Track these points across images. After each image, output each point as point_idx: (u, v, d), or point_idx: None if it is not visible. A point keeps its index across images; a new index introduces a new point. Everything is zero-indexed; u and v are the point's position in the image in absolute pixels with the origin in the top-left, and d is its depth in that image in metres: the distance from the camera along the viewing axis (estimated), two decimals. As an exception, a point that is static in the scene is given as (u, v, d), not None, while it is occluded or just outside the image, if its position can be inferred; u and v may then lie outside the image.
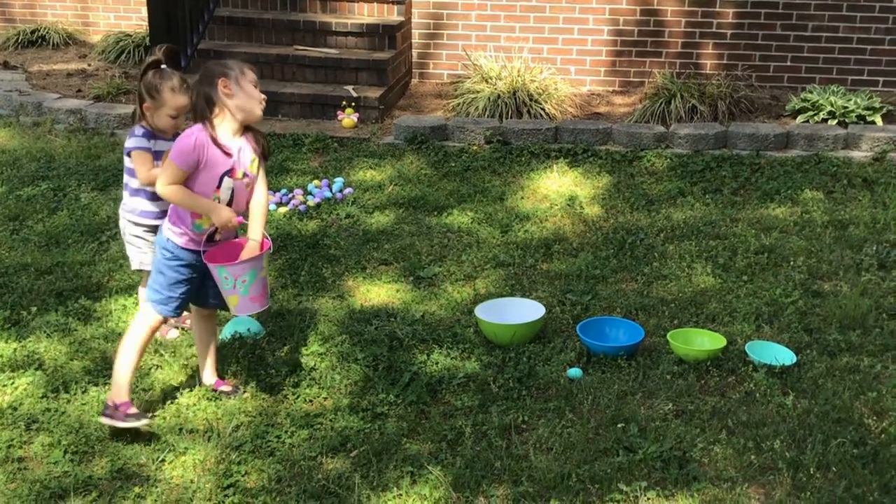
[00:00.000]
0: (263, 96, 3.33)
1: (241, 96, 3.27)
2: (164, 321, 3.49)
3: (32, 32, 8.72)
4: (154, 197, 3.74)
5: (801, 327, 4.04)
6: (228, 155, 3.28)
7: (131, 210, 3.87)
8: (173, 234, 3.35)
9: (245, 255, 3.33)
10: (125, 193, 3.89)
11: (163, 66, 3.67)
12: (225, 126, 3.28)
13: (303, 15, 7.57)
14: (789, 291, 4.35)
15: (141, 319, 3.43)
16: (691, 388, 3.60)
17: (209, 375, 3.66)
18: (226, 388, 3.61)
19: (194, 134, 3.22)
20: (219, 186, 3.28)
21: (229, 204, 3.33)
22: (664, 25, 7.39)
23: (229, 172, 3.28)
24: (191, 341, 3.97)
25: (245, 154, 3.35)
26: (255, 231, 3.39)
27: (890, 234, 4.95)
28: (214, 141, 3.24)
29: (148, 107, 3.72)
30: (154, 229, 3.81)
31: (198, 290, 3.47)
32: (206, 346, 3.65)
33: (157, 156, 3.78)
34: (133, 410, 3.33)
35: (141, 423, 3.31)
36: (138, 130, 3.78)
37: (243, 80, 3.28)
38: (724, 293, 4.37)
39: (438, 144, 6.43)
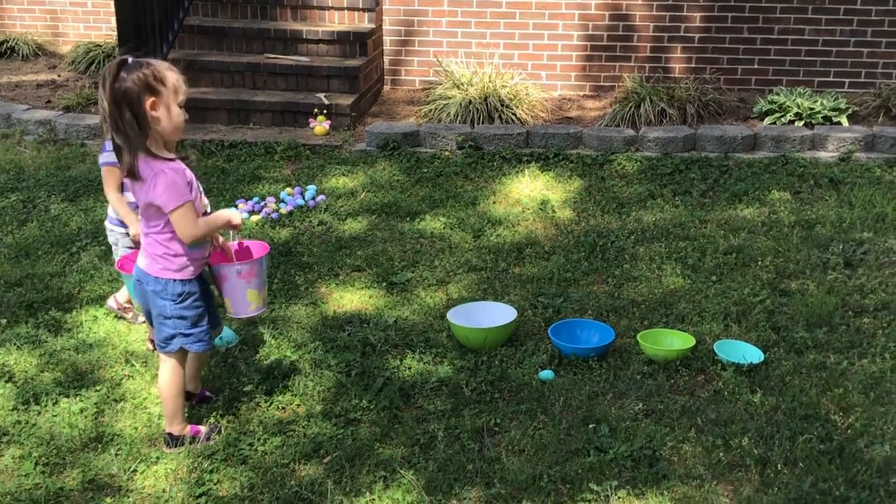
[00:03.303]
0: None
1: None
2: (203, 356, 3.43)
3: (1, 44, 8.66)
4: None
5: (769, 326, 4.09)
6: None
7: (111, 218, 4.01)
8: (175, 274, 3.16)
9: (252, 246, 3.45)
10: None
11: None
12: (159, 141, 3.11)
13: (273, 23, 7.57)
14: (757, 291, 4.41)
15: (175, 371, 3.29)
16: (661, 388, 3.64)
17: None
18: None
19: (169, 168, 3.05)
20: (201, 195, 3.25)
21: (205, 214, 3.29)
22: (633, 30, 7.47)
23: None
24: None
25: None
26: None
27: (856, 233, 5.03)
28: (174, 159, 3.11)
29: None
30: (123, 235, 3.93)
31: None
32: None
33: None
34: (206, 429, 3.38)
35: (222, 435, 3.38)
36: (108, 144, 3.79)
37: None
38: (694, 293, 4.42)
39: (411, 150, 6.45)
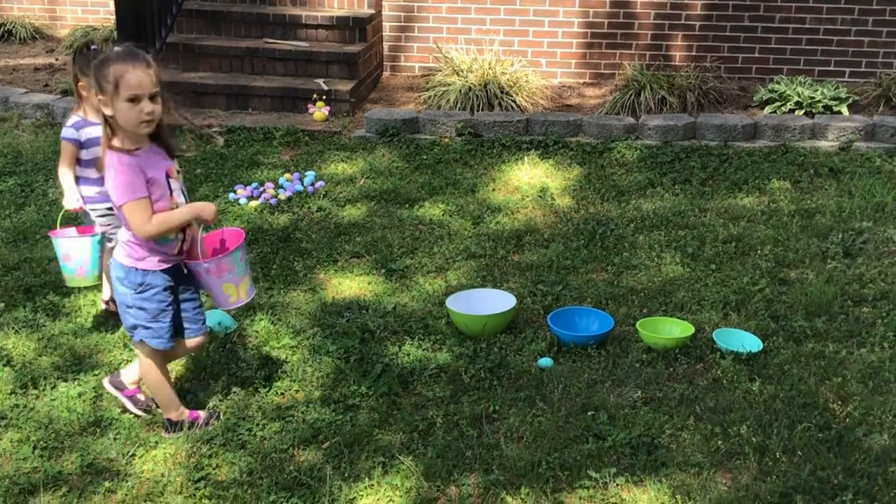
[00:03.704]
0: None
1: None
2: (167, 352, 3.29)
3: (-2, 27, 8.63)
4: (93, 182, 3.84)
5: (768, 315, 4.09)
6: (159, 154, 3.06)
7: (87, 199, 3.98)
8: (137, 262, 3.09)
9: (228, 237, 3.35)
10: None
11: (93, 47, 3.62)
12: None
13: (272, 8, 7.53)
14: (756, 279, 4.41)
15: (146, 364, 3.26)
16: (660, 376, 3.64)
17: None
18: (203, 414, 3.39)
19: (120, 160, 2.96)
20: (172, 193, 3.08)
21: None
22: (634, 17, 7.44)
23: (167, 173, 3.07)
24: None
25: (160, 152, 3.10)
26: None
27: (855, 223, 5.03)
28: (132, 151, 2.99)
29: (83, 86, 3.73)
30: (102, 213, 3.91)
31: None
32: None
33: (91, 143, 3.83)
34: (205, 414, 3.38)
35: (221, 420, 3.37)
36: (70, 119, 3.84)
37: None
38: (693, 282, 4.42)
39: (410, 137, 6.43)
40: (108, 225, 3.89)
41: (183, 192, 3.16)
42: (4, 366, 3.73)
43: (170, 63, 7.26)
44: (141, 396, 3.44)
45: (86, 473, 3.13)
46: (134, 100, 2.90)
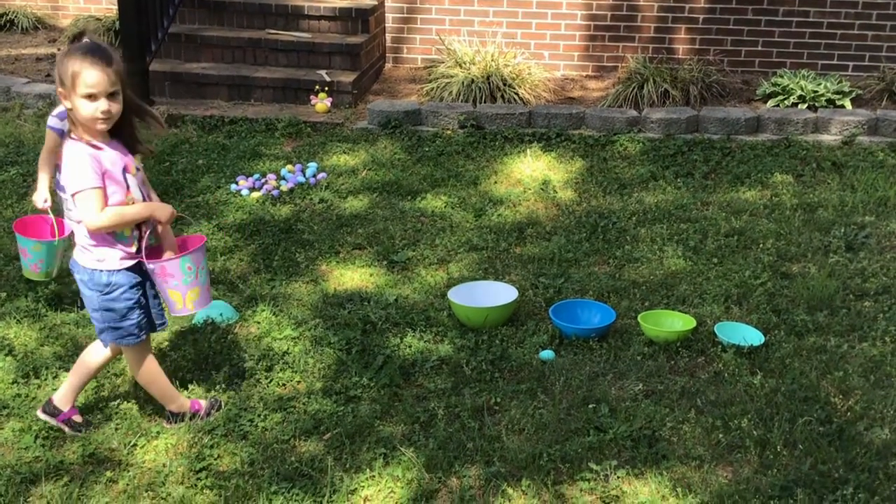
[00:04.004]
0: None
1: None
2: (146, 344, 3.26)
3: (1, 16, 8.59)
4: None
5: (770, 308, 4.09)
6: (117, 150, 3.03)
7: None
8: (99, 264, 3.05)
9: (190, 243, 3.28)
10: None
11: (85, 38, 3.62)
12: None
13: (275, -2, 7.51)
14: (758, 273, 4.40)
15: (134, 361, 3.23)
16: (661, 369, 3.64)
17: (68, 400, 3.29)
18: (78, 418, 3.31)
19: (77, 150, 2.94)
20: (129, 188, 3.03)
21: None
22: (637, 10, 7.42)
23: (126, 169, 3.03)
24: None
25: (120, 147, 3.06)
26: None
27: (857, 217, 5.02)
28: (91, 143, 2.96)
29: None
30: None
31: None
32: (87, 375, 3.32)
33: None
34: (206, 403, 3.38)
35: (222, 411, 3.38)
36: (56, 108, 3.88)
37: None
38: (695, 275, 4.42)
39: (412, 129, 6.42)
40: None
41: (141, 190, 3.10)
42: (6, 355, 3.73)
43: (172, 53, 7.26)
44: (77, 418, 3.30)
45: (87, 463, 3.14)
46: (90, 97, 2.88)
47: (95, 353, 3.28)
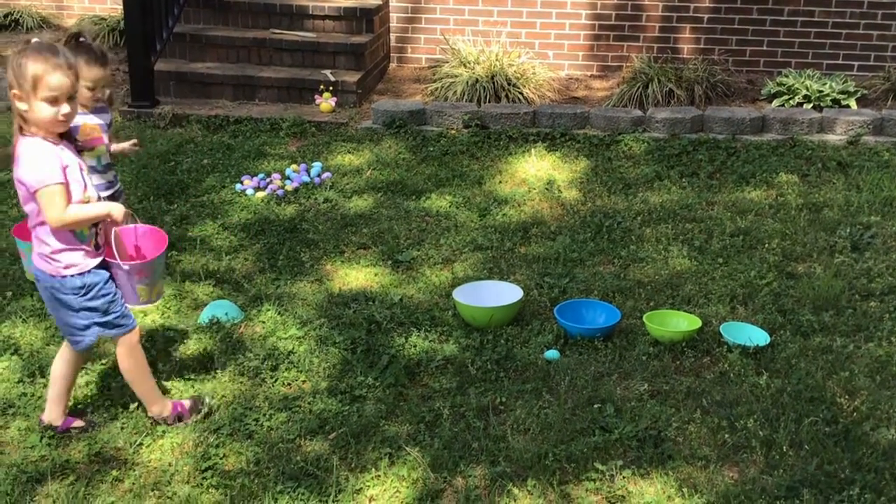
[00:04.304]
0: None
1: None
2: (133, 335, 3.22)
3: (5, 16, 8.60)
4: (94, 171, 3.87)
5: (775, 308, 4.08)
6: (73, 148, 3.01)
7: None
8: (66, 270, 3.01)
9: (151, 237, 3.30)
10: None
11: (81, 39, 3.63)
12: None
13: (280, -2, 7.52)
14: (764, 273, 4.40)
15: (124, 353, 3.20)
16: (667, 369, 3.63)
17: (58, 414, 3.28)
18: (78, 423, 3.29)
19: (38, 145, 2.89)
20: (86, 186, 3.00)
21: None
22: (642, 9, 7.41)
23: (80, 168, 3.01)
24: (168, 324, 3.96)
25: (71, 147, 3.04)
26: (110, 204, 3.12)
27: (863, 217, 5.01)
28: (49, 140, 2.92)
29: None
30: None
31: None
32: (69, 384, 3.30)
33: (71, 131, 3.83)
34: (188, 403, 3.34)
35: (202, 414, 3.34)
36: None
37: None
38: (700, 275, 4.41)
39: (417, 129, 6.42)
40: None
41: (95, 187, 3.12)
42: (12, 354, 3.74)
43: (177, 53, 7.26)
44: (78, 423, 3.28)
45: (93, 462, 3.14)
46: (53, 101, 2.84)
47: (63, 361, 3.24)
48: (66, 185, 2.91)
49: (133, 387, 3.31)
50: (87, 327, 3.12)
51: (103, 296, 3.09)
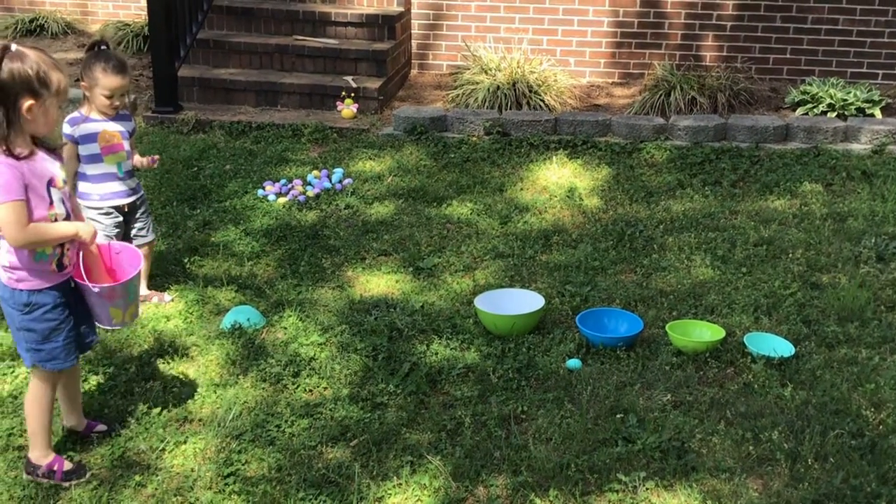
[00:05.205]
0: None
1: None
2: (61, 374, 3.08)
3: (31, 21, 8.69)
4: (85, 178, 3.96)
5: (800, 319, 4.05)
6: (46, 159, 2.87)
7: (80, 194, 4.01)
8: (18, 283, 2.89)
9: (126, 257, 3.18)
10: None
11: (102, 47, 3.69)
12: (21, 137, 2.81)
13: (302, 5, 7.56)
14: (788, 283, 4.36)
15: (35, 386, 3.03)
16: (690, 380, 3.61)
17: (78, 418, 3.27)
18: (101, 427, 3.29)
19: (2, 163, 2.73)
20: (52, 203, 2.86)
21: (66, 218, 2.93)
22: (664, 17, 7.39)
23: (51, 182, 2.87)
24: (190, 329, 3.97)
25: (47, 159, 2.89)
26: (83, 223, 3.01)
27: (888, 227, 4.96)
28: (12, 153, 2.76)
29: (84, 86, 3.86)
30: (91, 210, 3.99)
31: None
32: (70, 391, 3.23)
33: (86, 139, 3.91)
34: (69, 466, 3.09)
35: (82, 481, 3.07)
36: (67, 116, 3.93)
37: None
38: (723, 285, 4.38)
39: (438, 135, 6.43)
40: (92, 220, 3.91)
41: (64, 203, 2.93)
42: (36, 358, 3.76)
43: (200, 59, 7.31)
44: (102, 427, 3.29)
45: (116, 467, 3.15)
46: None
47: (32, 390, 3.08)
48: (27, 201, 2.77)
49: (27, 420, 3.10)
50: (26, 351, 2.98)
51: (46, 320, 2.92)
